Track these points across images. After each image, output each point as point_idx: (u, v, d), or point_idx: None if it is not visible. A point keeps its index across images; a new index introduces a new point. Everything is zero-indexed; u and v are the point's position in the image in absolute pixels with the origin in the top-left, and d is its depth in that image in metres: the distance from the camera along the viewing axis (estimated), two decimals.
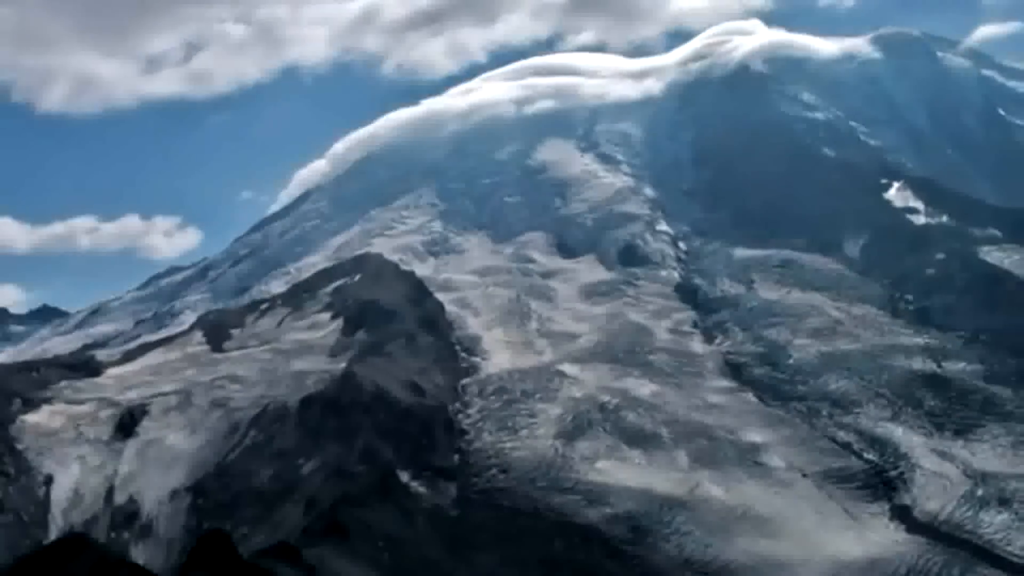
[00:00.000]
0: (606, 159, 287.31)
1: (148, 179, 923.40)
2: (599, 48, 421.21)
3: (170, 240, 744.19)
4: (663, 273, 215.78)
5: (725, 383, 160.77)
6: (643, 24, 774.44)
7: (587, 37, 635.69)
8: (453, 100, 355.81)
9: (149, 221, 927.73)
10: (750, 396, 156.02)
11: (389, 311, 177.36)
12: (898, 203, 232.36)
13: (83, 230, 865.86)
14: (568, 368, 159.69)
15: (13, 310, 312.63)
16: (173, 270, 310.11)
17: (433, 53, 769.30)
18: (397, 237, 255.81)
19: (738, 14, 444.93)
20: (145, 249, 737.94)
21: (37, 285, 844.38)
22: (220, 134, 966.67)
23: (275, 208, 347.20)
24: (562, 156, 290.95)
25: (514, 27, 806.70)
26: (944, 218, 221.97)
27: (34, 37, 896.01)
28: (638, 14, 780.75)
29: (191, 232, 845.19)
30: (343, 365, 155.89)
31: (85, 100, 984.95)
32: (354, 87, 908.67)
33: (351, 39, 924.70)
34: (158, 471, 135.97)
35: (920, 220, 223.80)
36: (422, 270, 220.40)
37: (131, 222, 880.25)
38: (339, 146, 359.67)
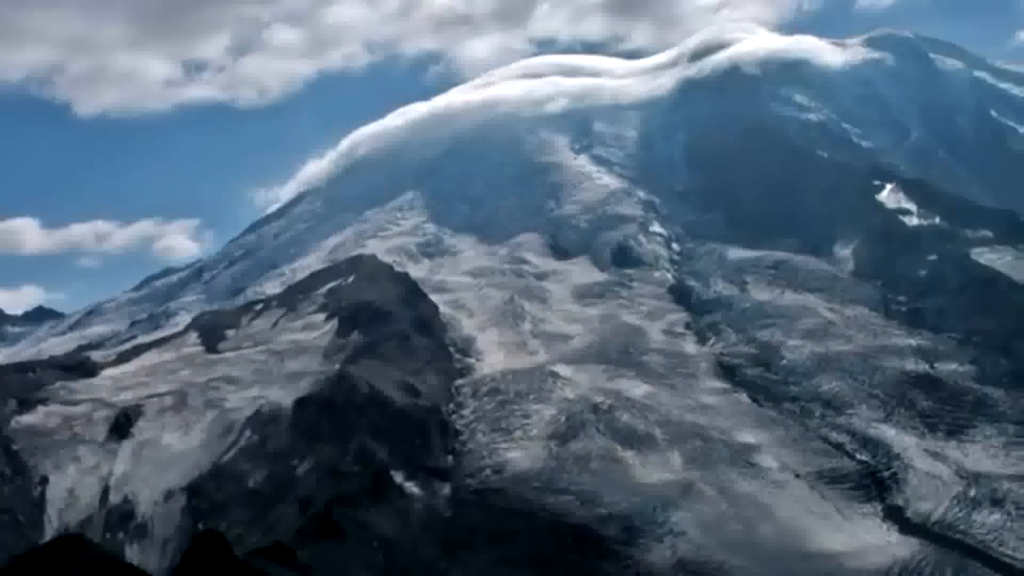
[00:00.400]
0: (600, 160, 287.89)
1: (174, 182, 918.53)
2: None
3: (188, 243, 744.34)
4: (656, 274, 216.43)
5: (718, 384, 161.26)
6: (687, 33, 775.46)
7: (630, 45, 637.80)
8: (447, 103, 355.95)
9: (169, 224, 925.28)
10: (743, 397, 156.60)
11: (383, 312, 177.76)
12: (891, 205, 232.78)
13: (103, 232, 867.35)
14: (562, 369, 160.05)
15: (9, 311, 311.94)
16: (168, 271, 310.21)
17: (473, 56, 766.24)
18: (391, 238, 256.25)
19: (775, 20, 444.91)
20: (164, 251, 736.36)
21: (56, 287, 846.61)
22: (252, 138, 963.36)
23: (272, 208, 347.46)
24: (556, 157, 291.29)
25: (555, 31, 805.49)
26: (936, 220, 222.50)
27: (79, 39, 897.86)
28: (681, 22, 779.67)
29: (209, 235, 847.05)
30: (337, 366, 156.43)
31: (122, 102, 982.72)
32: (392, 90, 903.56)
33: (392, 41, 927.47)
34: (153, 472, 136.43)
35: (913, 222, 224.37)
36: (416, 271, 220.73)
37: (149, 225, 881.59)
38: (344, 143, 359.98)
